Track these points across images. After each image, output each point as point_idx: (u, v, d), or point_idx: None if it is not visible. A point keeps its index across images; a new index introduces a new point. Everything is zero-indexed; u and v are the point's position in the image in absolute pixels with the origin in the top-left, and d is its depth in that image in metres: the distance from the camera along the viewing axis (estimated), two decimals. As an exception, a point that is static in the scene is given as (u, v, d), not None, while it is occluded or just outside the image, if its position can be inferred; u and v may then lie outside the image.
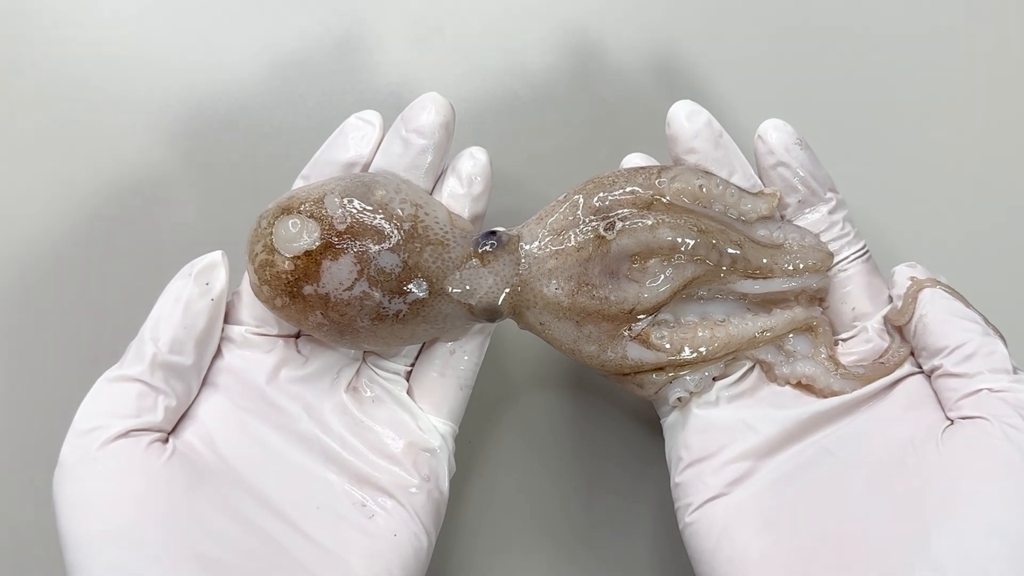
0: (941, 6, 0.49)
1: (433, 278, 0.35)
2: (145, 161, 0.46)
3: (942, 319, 0.35)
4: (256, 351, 0.36)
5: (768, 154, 0.36)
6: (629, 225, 0.35)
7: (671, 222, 0.35)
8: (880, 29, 0.49)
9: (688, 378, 0.36)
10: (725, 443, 0.35)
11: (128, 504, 0.31)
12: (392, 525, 0.35)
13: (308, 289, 0.34)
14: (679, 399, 0.36)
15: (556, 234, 0.35)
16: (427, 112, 0.36)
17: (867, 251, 0.37)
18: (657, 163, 0.38)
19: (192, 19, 0.48)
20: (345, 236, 0.34)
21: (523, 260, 0.35)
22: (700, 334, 0.35)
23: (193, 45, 0.47)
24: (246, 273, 0.36)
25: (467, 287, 0.35)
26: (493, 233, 0.35)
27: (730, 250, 0.35)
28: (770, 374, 0.37)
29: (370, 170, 0.37)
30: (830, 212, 0.37)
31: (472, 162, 0.37)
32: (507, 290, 0.35)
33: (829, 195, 0.37)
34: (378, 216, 0.34)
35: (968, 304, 0.35)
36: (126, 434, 0.32)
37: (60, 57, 0.47)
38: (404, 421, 0.37)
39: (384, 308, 0.34)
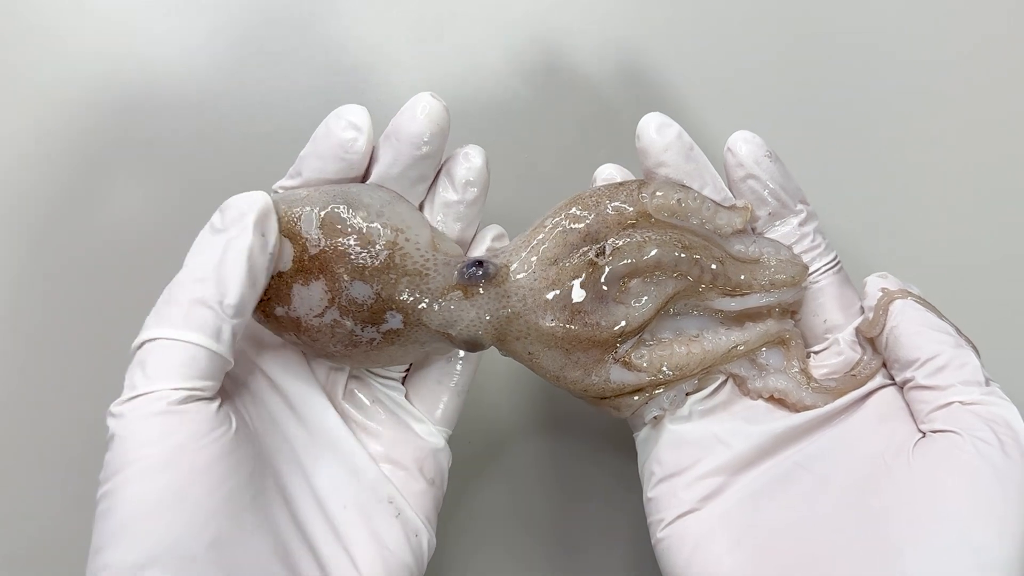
0: (914, 19, 0.49)
1: (408, 310, 0.33)
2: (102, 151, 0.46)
3: (913, 331, 0.34)
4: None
5: (738, 167, 0.36)
6: (621, 246, 0.34)
7: (658, 239, 0.34)
8: (854, 40, 0.48)
9: (663, 396, 0.36)
10: (698, 458, 0.35)
11: (196, 476, 0.29)
12: (408, 529, 0.35)
13: (280, 311, 0.34)
14: (655, 418, 0.36)
15: (550, 264, 0.34)
16: (417, 122, 0.34)
17: (838, 262, 0.37)
18: (631, 174, 0.37)
19: (187, 18, 0.47)
20: (317, 261, 0.33)
21: (515, 292, 0.34)
22: (677, 350, 0.35)
23: (191, 42, 0.47)
24: None
25: (446, 319, 0.33)
26: (480, 264, 0.33)
27: (712, 266, 0.35)
28: (743, 388, 0.37)
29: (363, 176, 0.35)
30: (800, 224, 0.37)
31: (467, 166, 0.35)
32: (488, 319, 0.33)
33: (800, 207, 0.37)
34: (353, 242, 0.33)
35: (940, 315, 0.35)
36: (195, 398, 0.30)
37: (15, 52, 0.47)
38: (407, 426, 0.37)
39: (357, 336, 0.34)
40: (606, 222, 0.34)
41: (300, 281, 0.33)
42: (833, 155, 0.47)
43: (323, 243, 0.33)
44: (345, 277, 0.33)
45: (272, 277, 0.33)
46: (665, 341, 0.36)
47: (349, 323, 0.33)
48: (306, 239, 0.33)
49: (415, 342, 0.34)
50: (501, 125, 0.47)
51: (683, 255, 0.34)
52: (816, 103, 0.48)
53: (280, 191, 0.35)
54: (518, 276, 0.34)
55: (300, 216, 0.33)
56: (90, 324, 0.45)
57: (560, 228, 0.34)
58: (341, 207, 0.33)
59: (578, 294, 0.34)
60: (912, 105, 0.48)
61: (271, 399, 0.35)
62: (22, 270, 0.45)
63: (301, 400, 0.35)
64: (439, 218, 0.35)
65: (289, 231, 0.33)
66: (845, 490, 0.33)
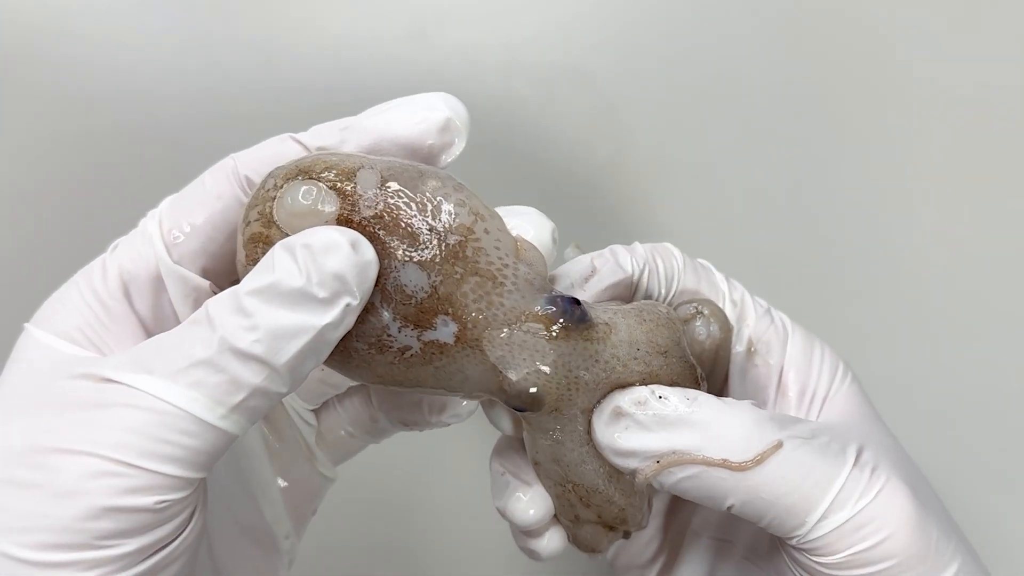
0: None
1: (469, 323, 0.25)
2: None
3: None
4: None
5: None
6: None
7: None
8: (859, 34, 0.48)
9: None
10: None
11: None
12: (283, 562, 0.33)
13: None
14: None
15: (660, 352, 0.27)
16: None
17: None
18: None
19: (180, 15, 0.46)
20: (368, 225, 0.25)
21: (606, 360, 0.26)
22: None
23: (184, 40, 0.46)
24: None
25: (512, 352, 0.25)
26: (578, 304, 0.26)
27: None
28: None
29: None
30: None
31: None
32: (563, 375, 0.26)
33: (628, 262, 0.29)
34: (417, 212, 0.25)
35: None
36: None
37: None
38: (310, 459, 0.34)
39: (390, 336, 0.25)
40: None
41: None
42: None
43: (379, 205, 0.25)
44: (398, 254, 0.25)
45: None
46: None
47: (387, 315, 0.25)
48: (359, 196, 0.25)
49: (456, 373, 0.26)
50: (501, 125, 0.47)
51: None
52: (817, 99, 0.47)
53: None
54: (620, 342, 0.27)
55: (357, 170, 0.25)
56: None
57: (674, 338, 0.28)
58: (411, 171, 0.26)
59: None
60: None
61: None
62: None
63: None
64: None
65: (337, 186, 0.25)
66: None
